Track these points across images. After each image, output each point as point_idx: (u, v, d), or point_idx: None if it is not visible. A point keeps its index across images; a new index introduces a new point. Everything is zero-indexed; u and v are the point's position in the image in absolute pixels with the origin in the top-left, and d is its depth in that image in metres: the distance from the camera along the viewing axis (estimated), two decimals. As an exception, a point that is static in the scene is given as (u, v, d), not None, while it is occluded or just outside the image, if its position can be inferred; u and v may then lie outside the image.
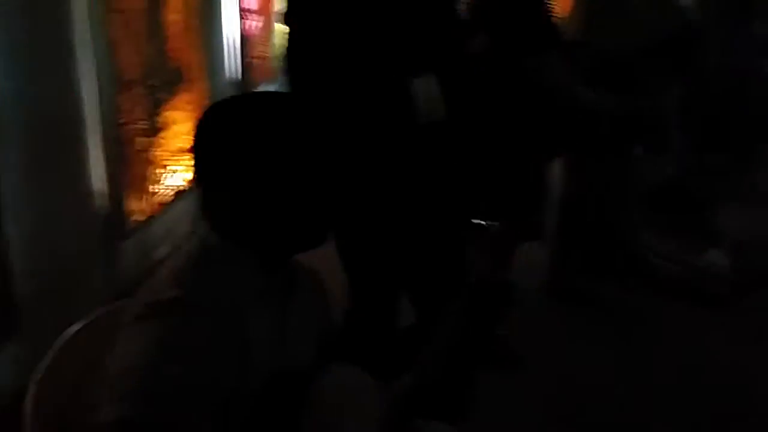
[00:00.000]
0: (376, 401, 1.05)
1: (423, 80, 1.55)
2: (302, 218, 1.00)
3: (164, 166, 3.43)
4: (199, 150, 1.01)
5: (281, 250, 1.03)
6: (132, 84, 2.96)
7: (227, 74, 4.48)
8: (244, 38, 4.91)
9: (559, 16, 2.59)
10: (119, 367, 0.89)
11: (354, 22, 1.57)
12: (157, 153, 3.36)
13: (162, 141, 3.40)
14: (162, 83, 3.38)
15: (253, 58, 5.12)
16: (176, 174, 3.57)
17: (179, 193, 3.55)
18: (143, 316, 0.93)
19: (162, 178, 3.42)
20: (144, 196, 3.20)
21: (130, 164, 3.04)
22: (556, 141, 2.64)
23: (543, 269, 3.18)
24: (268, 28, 5.53)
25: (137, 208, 3.13)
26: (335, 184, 1.01)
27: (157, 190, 3.36)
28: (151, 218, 3.23)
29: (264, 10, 5.44)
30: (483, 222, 1.19)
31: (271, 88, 5.04)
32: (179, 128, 3.55)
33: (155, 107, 3.31)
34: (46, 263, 2.41)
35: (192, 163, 1.01)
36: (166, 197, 3.45)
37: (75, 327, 1.14)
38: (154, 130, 3.32)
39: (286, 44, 1.62)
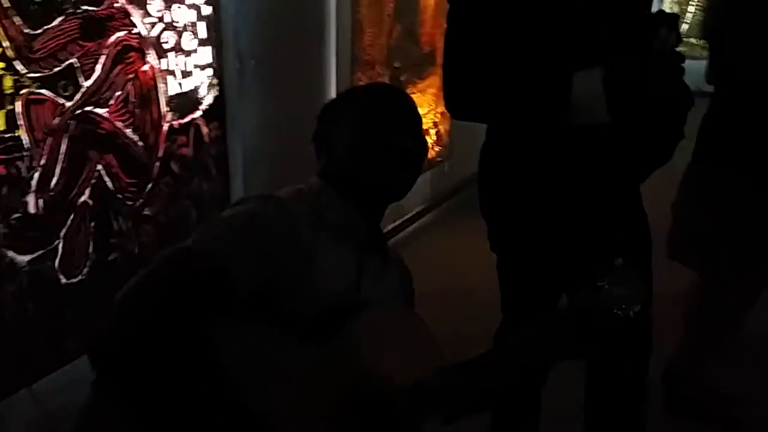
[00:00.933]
0: (432, 358, 1.13)
1: (586, 74, 1.30)
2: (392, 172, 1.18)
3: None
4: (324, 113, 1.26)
5: (372, 196, 1.20)
6: (374, 63, 3.02)
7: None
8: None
9: None
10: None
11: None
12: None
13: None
14: (408, 66, 3.42)
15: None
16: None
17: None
18: (240, 201, 1.13)
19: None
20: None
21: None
22: None
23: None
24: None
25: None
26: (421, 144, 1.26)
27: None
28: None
29: None
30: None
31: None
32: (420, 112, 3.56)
33: (397, 89, 3.36)
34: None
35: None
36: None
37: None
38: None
39: (448, 24, 1.47)
